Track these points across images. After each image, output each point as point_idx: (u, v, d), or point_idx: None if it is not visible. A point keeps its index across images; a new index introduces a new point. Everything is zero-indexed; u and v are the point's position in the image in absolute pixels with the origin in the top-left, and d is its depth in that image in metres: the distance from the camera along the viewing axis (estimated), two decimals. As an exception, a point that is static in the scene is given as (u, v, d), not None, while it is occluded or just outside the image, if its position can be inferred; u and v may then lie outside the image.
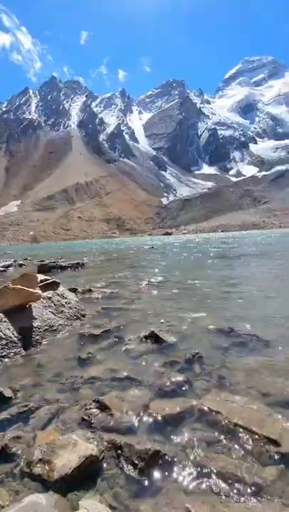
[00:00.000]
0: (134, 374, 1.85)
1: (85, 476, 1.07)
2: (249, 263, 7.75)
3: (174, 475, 1.08)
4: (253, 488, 1.01)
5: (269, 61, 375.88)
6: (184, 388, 1.67)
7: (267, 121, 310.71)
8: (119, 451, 1.17)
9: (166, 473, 1.09)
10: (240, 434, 1.27)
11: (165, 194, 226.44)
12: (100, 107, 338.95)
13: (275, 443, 1.19)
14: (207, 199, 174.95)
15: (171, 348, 2.24)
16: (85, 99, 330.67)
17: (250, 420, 1.33)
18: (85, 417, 1.41)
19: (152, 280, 5.41)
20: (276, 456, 1.14)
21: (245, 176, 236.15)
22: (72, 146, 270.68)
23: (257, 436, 1.24)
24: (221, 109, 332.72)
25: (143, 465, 1.09)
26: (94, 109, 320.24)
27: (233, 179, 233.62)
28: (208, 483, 1.04)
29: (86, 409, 1.47)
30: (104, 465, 1.13)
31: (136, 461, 1.11)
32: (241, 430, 1.29)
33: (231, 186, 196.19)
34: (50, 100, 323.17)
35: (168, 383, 1.71)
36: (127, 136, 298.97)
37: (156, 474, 1.09)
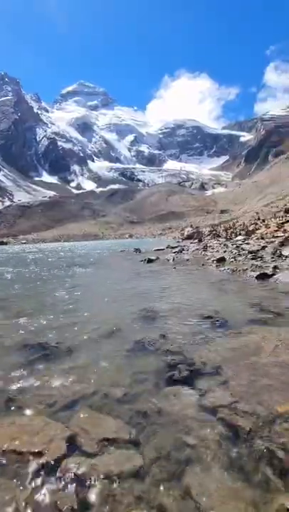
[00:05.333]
0: None
1: None
2: (86, 272, 8.14)
3: None
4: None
5: (101, 91, 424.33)
6: None
7: (101, 143, 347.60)
8: None
9: None
10: (4, 461, 1.18)
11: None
12: None
13: (40, 454, 1.19)
14: (49, 208, 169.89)
15: None
16: None
17: (21, 441, 1.28)
18: None
19: None
20: (36, 469, 1.13)
21: (85, 189, 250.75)
22: None
23: (22, 456, 1.19)
24: (59, 121, 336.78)
25: None
26: None
27: (75, 191, 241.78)
28: None
29: None
30: None
31: None
32: (9, 455, 1.20)
33: (73, 197, 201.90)
34: None
35: None
36: None
37: None
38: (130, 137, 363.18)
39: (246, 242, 12.08)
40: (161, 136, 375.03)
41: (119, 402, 1.59)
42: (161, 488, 1.05)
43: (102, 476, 1.08)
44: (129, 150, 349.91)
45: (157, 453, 1.21)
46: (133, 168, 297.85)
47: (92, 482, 1.06)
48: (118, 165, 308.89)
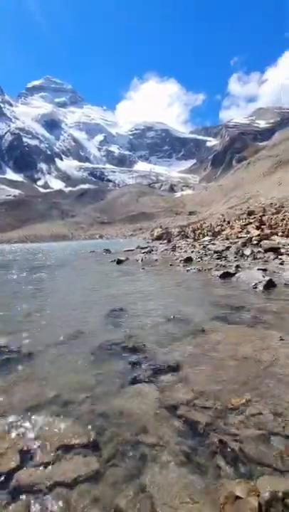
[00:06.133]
0: None
1: None
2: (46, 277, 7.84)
3: None
4: None
5: (69, 89, 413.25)
6: None
7: (70, 142, 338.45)
8: None
9: None
10: None
11: None
12: None
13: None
14: (14, 207, 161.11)
15: None
16: None
17: None
18: None
19: None
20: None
21: (53, 188, 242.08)
22: None
23: None
24: (24, 116, 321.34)
25: None
26: None
27: (42, 190, 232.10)
28: None
29: None
30: None
31: None
32: None
33: (40, 197, 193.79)
34: None
35: None
36: None
37: None
38: (100, 137, 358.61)
39: (212, 242, 12.58)
40: (131, 137, 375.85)
41: (81, 405, 1.56)
42: (118, 489, 1.05)
43: (56, 484, 1.06)
44: (99, 150, 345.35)
45: (116, 454, 1.21)
46: (103, 168, 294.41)
47: (46, 491, 1.04)
48: (88, 164, 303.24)
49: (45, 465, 1.16)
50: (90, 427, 1.39)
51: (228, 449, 1.19)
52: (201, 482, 1.05)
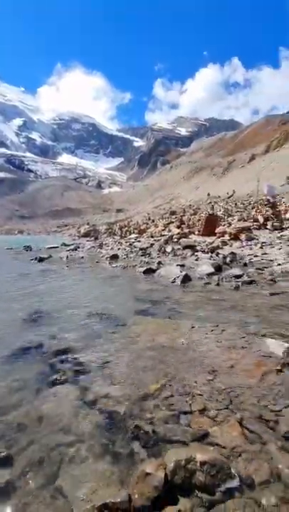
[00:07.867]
0: None
1: None
2: None
3: None
4: None
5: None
6: None
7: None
8: None
9: None
10: None
11: None
12: None
13: None
14: None
15: None
16: None
17: None
18: None
19: None
20: None
21: None
22: None
23: None
24: None
25: None
26: None
27: None
28: None
29: None
30: None
31: None
32: None
33: None
34: None
35: None
36: None
37: None
38: (18, 121, 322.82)
39: (138, 240, 13.08)
40: (55, 126, 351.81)
41: (-10, 419, 1.42)
42: (32, 497, 1.01)
43: None
44: (18, 135, 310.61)
45: (30, 462, 1.16)
46: (23, 156, 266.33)
47: None
48: (4, 150, 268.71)
49: None
50: (1, 439, 1.29)
51: (143, 433, 1.25)
52: (118, 470, 1.09)
